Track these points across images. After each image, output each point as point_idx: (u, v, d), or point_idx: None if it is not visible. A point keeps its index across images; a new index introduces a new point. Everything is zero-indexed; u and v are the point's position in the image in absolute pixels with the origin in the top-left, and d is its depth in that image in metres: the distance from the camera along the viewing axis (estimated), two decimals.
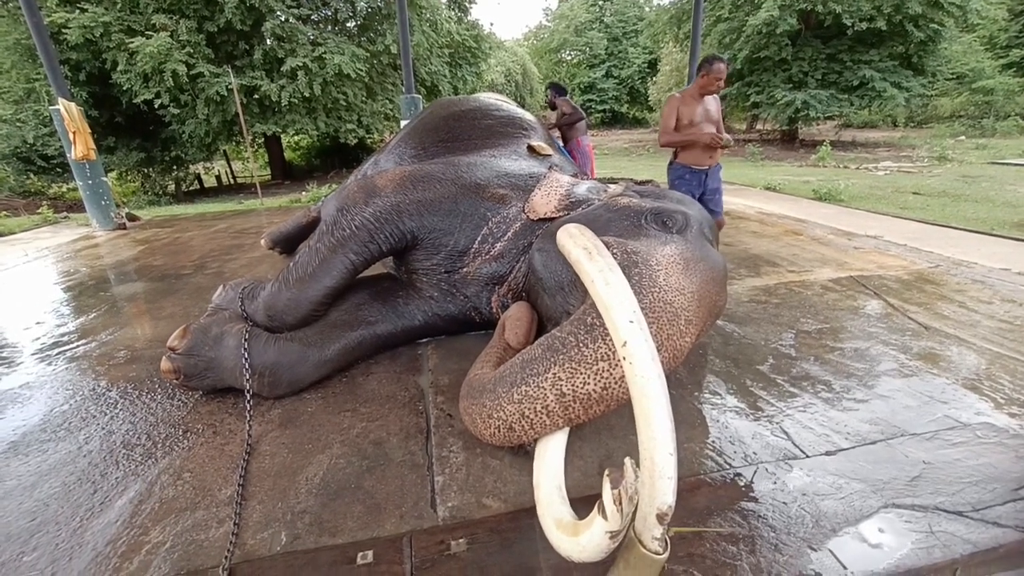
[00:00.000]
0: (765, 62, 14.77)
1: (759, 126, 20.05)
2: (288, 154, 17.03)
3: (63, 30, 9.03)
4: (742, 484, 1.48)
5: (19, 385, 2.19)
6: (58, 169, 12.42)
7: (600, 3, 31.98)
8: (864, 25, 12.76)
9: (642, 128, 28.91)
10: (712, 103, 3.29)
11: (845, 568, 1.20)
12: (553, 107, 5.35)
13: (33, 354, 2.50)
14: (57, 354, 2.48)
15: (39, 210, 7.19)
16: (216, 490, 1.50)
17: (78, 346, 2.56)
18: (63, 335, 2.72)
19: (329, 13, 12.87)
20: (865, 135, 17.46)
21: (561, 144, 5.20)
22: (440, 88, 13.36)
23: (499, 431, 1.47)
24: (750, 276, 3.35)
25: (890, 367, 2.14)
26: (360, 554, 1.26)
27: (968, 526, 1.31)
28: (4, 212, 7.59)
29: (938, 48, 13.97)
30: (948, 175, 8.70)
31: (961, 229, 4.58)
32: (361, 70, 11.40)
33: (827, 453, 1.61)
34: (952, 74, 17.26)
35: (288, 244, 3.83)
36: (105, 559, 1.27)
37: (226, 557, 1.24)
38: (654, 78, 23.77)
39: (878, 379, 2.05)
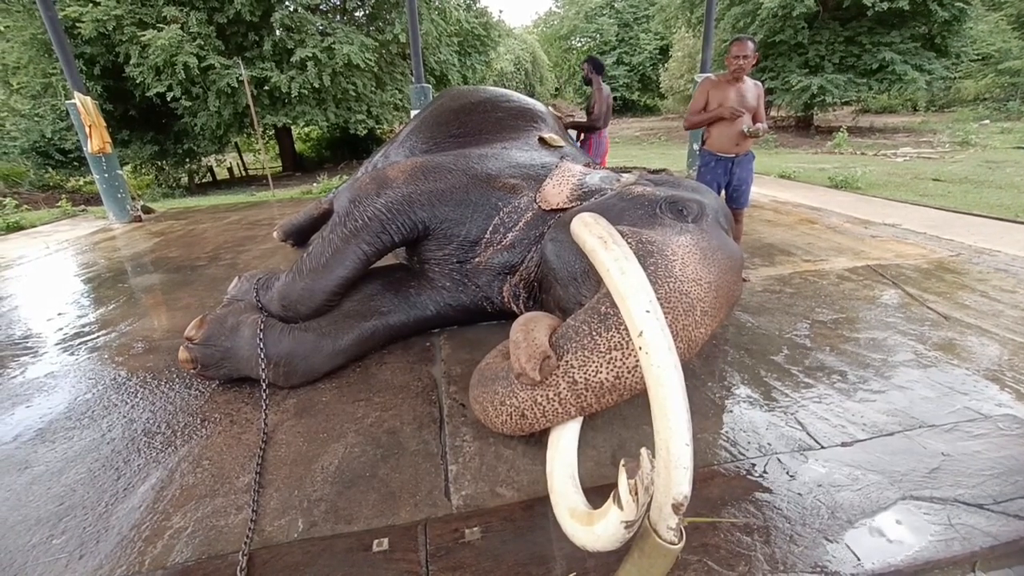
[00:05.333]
0: (780, 46, 14.38)
1: (773, 112, 19.62)
2: (299, 146, 17.08)
3: (77, 24, 9.09)
4: (756, 475, 1.47)
5: (44, 374, 2.25)
6: (75, 163, 12.62)
7: None
8: (885, 5, 12.34)
9: (654, 116, 28.43)
10: (750, 89, 3.05)
11: (861, 560, 1.19)
12: (588, 83, 4.92)
13: (56, 344, 2.56)
14: (79, 344, 2.54)
15: (58, 203, 7.33)
16: (234, 478, 1.53)
17: (99, 336, 2.62)
18: (84, 326, 2.78)
19: (338, 2, 12.79)
20: (884, 120, 17.00)
21: (576, 135, 5.03)
22: (449, 77, 13.25)
23: (511, 419, 1.47)
24: (764, 265, 3.30)
25: (908, 358, 2.10)
26: (376, 541, 1.28)
27: (988, 519, 1.29)
28: (25, 206, 7.75)
29: (963, 28, 13.46)
30: (971, 161, 8.46)
31: (984, 216, 4.46)
32: (370, 60, 11.34)
33: (843, 444, 1.59)
34: (977, 55, 16.67)
35: (300, 236, 3.86)
36: (130, 543, 1.31)
37: (245, 543, 1.27)
38: (666, 65, 23.28)
39: (895, 370, 2.01)
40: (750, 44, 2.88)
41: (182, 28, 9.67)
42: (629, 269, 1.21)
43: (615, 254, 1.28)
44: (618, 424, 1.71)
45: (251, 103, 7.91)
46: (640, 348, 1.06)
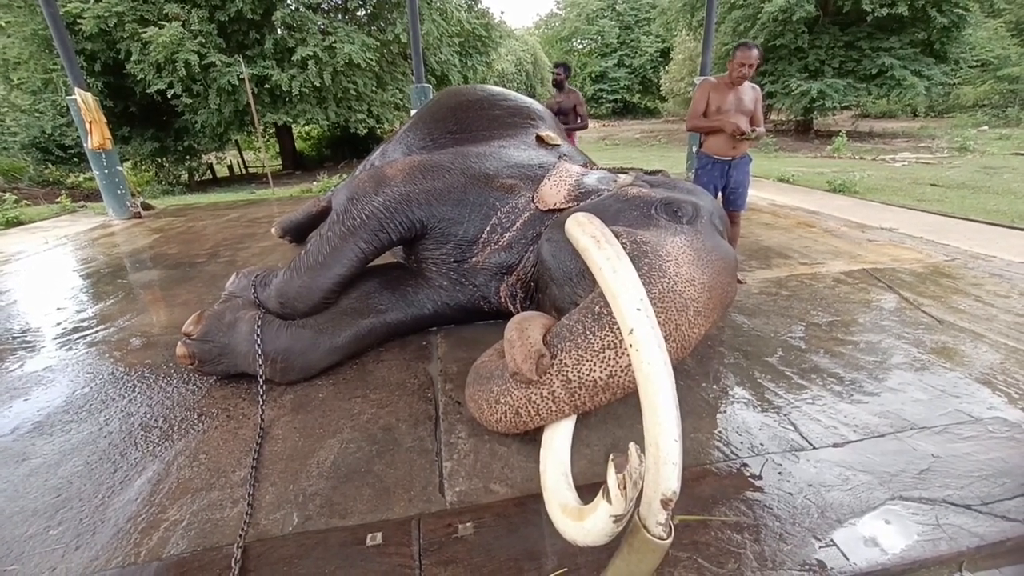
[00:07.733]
0: (780, 50, 14.44)
1: (773, 116, 19.68)
2: (299, 144, 17.07)
3: (78, 20, 9.09)
4: (748, 474, 1.49)
5: (42, 368, 2.26)
6: (75, 159, 12.62)
7: None
8: (885, 11, 12.40)
9: (654, 118, 28.51)
10: (748, 93, 3.06)
11: (849, 559, 1.20)
12: (559, 87, 4.94)
13: (55, 339, 2.57)
14: (77, 339, 2.55)
15: (58, 199, 7.32)
16: (230, 472, 1.54)
17: (97, 331, 2.63)
18: (82, 321, 2.79)
19: (339, 1, 12.81)
20: (883, 125, 17.05)
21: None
22: (450, 77, 13.27)
23: (505, 416, 1.49)
24: (761, 268, 3.32)
25: (901, 361, 2.12)
26: (369, 536, 1.30)
27: (976, 519, 1.31)
28: (25, 201, 7.73)
29: (962, 34, 13.53)
30: (969, 166, 8.49)
31: (980, 222, 4.49)
32: (371, 59, 11.35)
33: (835, 445, 1.60)
34: (976, 61, 16.73)
35: (298, 233, 3.87)
36: (126, 535, 1.32)
37: (240, 536, 1.28)
38: (666, 67, 23.35)
39: (889, 372, 2.03)
40: (755, 52, 2.89)
41: (183, 25, 9.68)
42: (621, 268, 1.23)
43: (607, 253, 1.29)
44: (612, 423, 1.72)
45: (252, 101, 7.93)
46: (631, 346, 1.07)
